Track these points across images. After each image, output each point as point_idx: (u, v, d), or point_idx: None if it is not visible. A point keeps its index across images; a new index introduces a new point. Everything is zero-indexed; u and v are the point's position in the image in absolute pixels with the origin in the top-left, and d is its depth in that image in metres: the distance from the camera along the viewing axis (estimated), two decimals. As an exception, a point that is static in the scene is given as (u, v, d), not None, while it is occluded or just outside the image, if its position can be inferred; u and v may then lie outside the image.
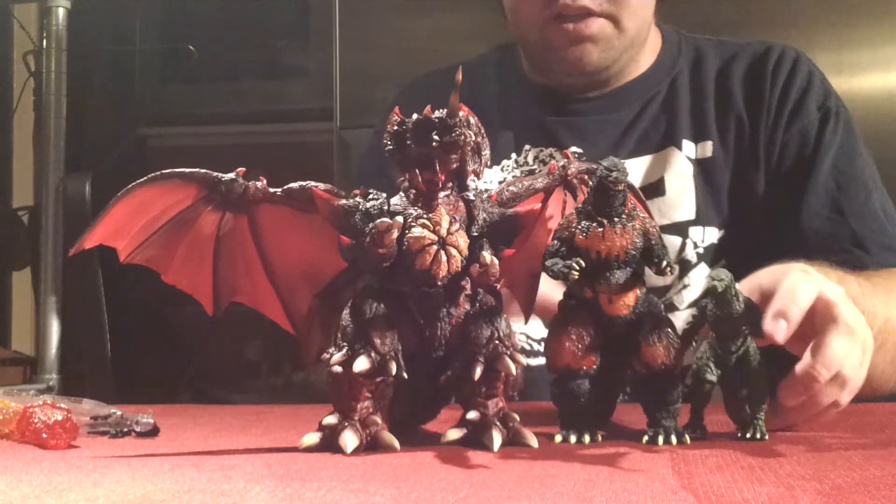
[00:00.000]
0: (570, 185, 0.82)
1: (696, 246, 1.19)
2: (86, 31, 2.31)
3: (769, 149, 1.22)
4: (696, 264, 1.19)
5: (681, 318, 1.17)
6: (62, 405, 0.80)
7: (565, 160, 0.82)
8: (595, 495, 0.52)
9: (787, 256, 0.88)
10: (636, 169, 1.23)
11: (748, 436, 0.73)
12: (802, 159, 1.20)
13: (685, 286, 1.19)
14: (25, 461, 0.69)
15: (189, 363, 2.32)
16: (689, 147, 1.23)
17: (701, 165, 1.22)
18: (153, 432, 0.83)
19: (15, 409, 0.81)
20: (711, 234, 1.20)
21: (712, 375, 0.73)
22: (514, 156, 1.27)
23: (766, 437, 0.73)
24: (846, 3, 1.74)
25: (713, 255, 1.19)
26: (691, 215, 1.20)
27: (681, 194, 1.20)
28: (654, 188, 1.21)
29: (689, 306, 1.17)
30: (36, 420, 0.77)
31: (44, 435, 0.76)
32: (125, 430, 0.83)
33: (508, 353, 0.72)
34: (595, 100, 1.27)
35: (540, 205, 0.78)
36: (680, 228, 1.20)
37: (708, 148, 1.23)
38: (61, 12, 2.11)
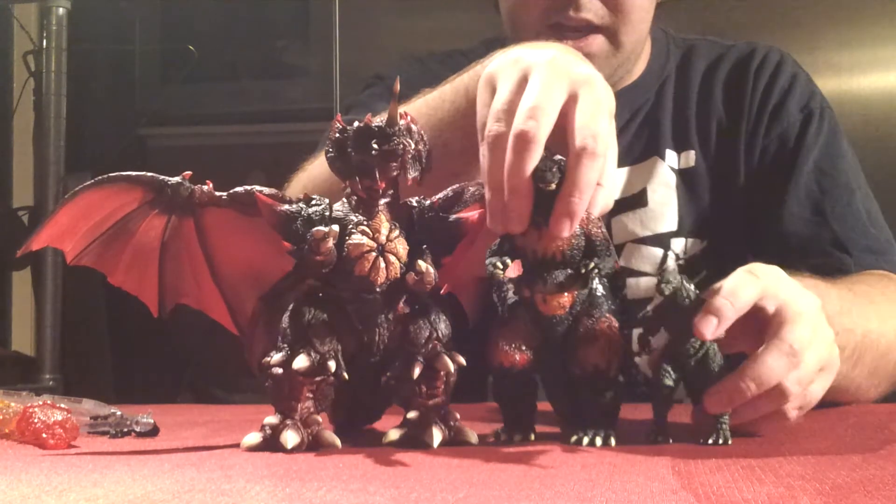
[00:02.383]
0: None
1: (678, 258, 1.18)
2: (86, 31, 2.31)
3: (749, 153, 1.20)
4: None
5: (662, 331, 1.17)
6: (62, 405, 0.80)
7: None
8: (595, 495, 0.52)
9: (767, 261, 0.88)
10: (618, 180, 1.20)
11: (710, 441, 0.71)
12: (783, 162, 1.19)
13: None
14: (25, 461, 0.69)
15: (189, 363, 2.32)
16: (671, 157, 1.21)
17: (683, 175, 1.21)
18: (153, 432, 0.83)
19: (15, 409, 0.81)
20: (694, 246, 1.19)
21: (670, 380, 0.72)
22: None
23: (730, 441, 0.72)
24: (846, 3, 1.74)
25: (694, 267, 1.18)
26: (673, 227, 1.19)
27: (663, 205, 1.19)
28: (637, 199, 1.19)
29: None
30: (36, 420, 0.77)
31: (44, 435, 0.76)
32: (125, 430, 0.83)
33: (447, 352, 0.73)
34: None
35: (481, 211, 0.79)
36: (662, 240, 1.18)
37: (690, 157, 1.21)
38: (61, 12, 2.11)
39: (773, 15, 1.76)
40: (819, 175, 1.17)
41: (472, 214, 0.77)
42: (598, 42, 1.17)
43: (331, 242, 0.70)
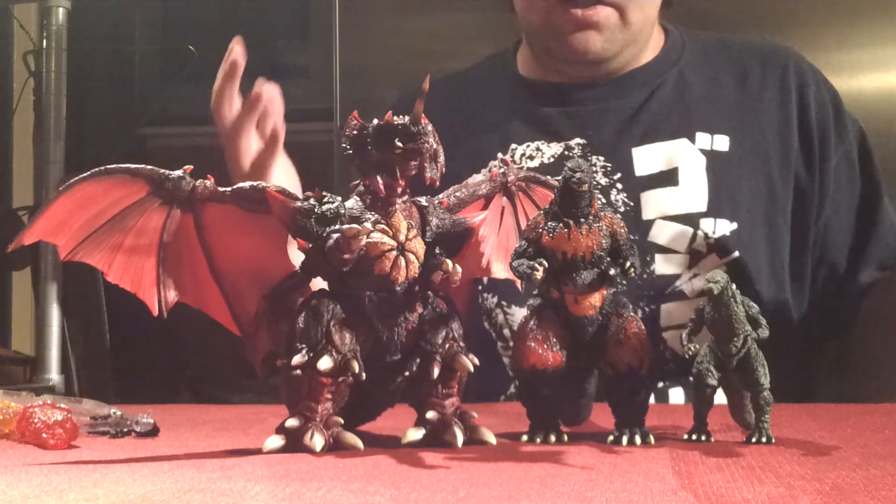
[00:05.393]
0: (508, 191, 0.84)
1: (707, 237, 1.21)
2: (86, 31, 2.31)
3: (821, 168, 1.25)
4: (706, 255, 1.21)
5: (689, 307, 1.18)
6: (62, 405, 0.80)
7: (505, 168, 0.84)
8: (595, 495, 0.52)
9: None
10: (647, 158, 1.24)
11: (754, 440, 0.72)
12: (854, 183, 1.26)
13: (695, 275, 1.20)
14: (25, 461, 0.69)
15: (189, 363, 2.32)
16: (703, 139, 1.24)
17: (716, 158, 1.23)
18: (153, 432, 0.83)
19: (15, 409, 0.81)
20: (723, 226, 1.21)
21: (713, 379, 0.73)
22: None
23: (773, 440, 0.72)
24: (846, 3, 1.74)
25: (723, 247, 1.21)
26: (703, 207, 1.21)
27: (693, 185, 1.22)
28: (668, 178, 1.23)
29: (699, 295, 1.19)
30: (36, 420, 0.77)
31: (44, 435, 0.76)
32: (125, 430, 0.83)
33: (464, 352, 0.73)
34: (597, 87, 1.29)
35: (488, 212, 0.79)
36: (691, 219, 1.21)
37: (724, 142, 1.24)
38: (61, 12, 2.11)
39: (773, 14, 1.75)
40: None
41: (478, 217, 0.77)
42: (605, 12, 1.21)
43: (364, 241, 0.69)
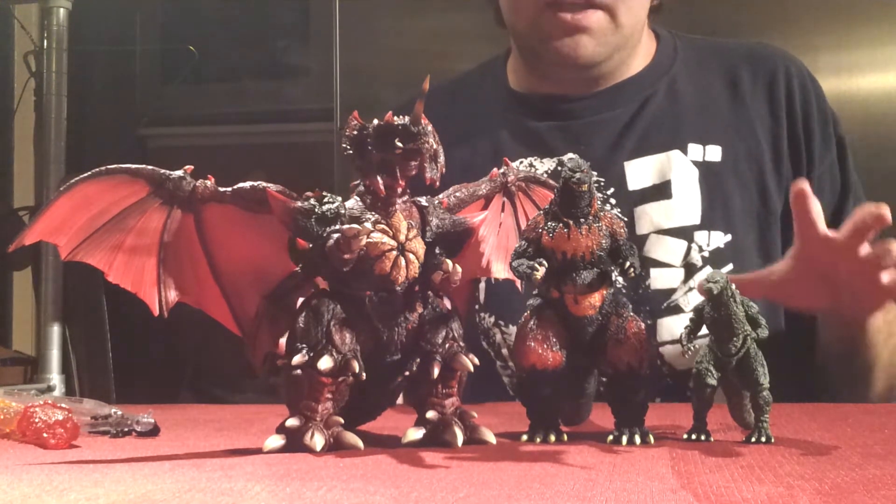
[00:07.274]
0: (508, 191, 0.84)
1: (701, 249, 1.19)
2: (86, 32, 2.31)
3: (808, 177, 1.22)
4: (701, 267, 1.19)
5: (686, 321, 1.18)
6: (63, 405, 0.80)
7: (505, 168, 0.84)
8: (595, 495, 0.52)
9: None
10: (639, 171, 1.22)
11: (753, 440, 0.72)
12: (835, 191, 1.24)
13: (691, 289, 1.18)
14: (26, 461, 0.69)
15: (189, 363, 2.32)
16: (695, 150, 1.23)
17: (708, 169, 1.22)
18: (153, 432, 0.84)
19: (16, 409, 0.81)
20: (717, 239, 1.20)
21: (713, 379, 0.73)
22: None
23: (773, 440, 0.72)
24: (846, 3, 1.74)
25: (718, 260, 1.19)
26: (696, 220, 1.20)
27: (686, 198, 1.20)
28: (661, 190, 1.21)
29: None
30: (37, 420, 0.77)
31: (44, 435, 0.77)
32: (126, 429, 0.84)
33: (464, 352, 0.73)
34: (586, 99, 1.26)
35: (488, 212, 0.79)
36: (685, 232, 1.19)
37: (717, 152, 1.23)
38: (62, 13, 2.12)
39: (773, 15, 1.76)
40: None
41: (478, 217, 0.77)
42: (596, 17, 1.18)
43: (364, 241, 0.70)
